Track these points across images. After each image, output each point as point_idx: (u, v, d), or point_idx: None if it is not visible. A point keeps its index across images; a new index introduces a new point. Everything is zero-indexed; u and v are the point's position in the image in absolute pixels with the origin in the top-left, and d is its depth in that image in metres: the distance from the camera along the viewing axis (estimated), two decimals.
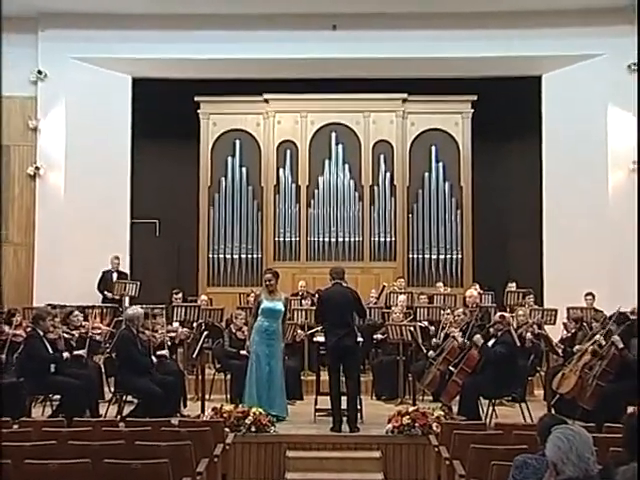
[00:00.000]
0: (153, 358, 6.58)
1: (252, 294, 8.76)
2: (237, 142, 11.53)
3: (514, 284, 10.12)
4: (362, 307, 6.83)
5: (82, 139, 10.45)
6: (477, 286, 10.04)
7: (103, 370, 7.14)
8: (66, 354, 6.45)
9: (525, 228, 11.52)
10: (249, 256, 11.35)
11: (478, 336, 6.71)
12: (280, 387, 6.64)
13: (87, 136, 10.48)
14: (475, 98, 11.22)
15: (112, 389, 6.84)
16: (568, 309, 8.74)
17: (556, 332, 8.28)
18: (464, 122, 11.34)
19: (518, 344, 6.84)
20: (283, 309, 6.68)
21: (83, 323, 7.04)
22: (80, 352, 6.54)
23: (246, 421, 6.07)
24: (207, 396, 7.30)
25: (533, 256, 10.96)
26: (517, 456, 3.48)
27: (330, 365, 6.57)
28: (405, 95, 11.38)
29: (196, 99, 11.35)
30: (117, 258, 10.24)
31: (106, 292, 9.98)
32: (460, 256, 11.26)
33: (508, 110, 11.29)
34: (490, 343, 6.70)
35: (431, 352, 7.32)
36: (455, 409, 6.61)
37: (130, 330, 6.59)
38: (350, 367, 6.51)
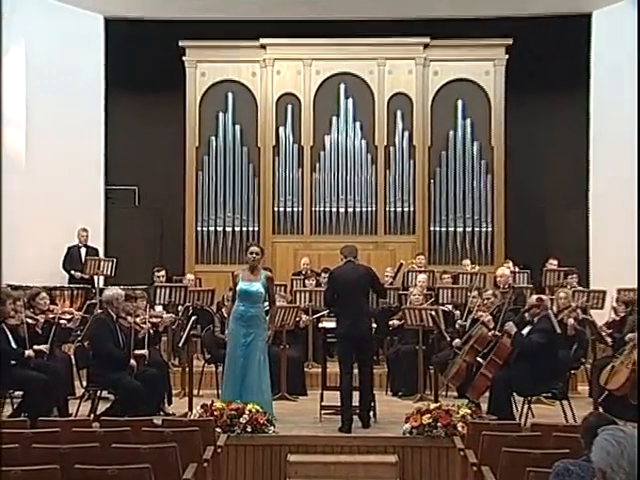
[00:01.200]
0: (132, 362, 6.50)
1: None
2: (229, 95, 11.46)
3: (555, 262, 10.09)
4: (381, 285, 6.88)
5: (46, 91, 10.38)
6: (510, 264, 10.00)
7: (74, 361, 7.13)
8: (28, 351, 6.39)
9: (568, 196, 11.44)
10: (244, 229, 11.35)
11: (510, 323, 6.67)
12: (260, 382, 6.56)
13: (52, 88, 10.41)
14: (510, 42, 11.08)
15: (84, 383, 6.84)
16: (619, 290, 8.68)
17: (604, 318, 8.23)
18: (496, 71, 11.23)
19: (558, 331, 6.79)
20: (262, 291, 6.61)
21: (50, 307, 7.02)
22: (42, 347, 6.49)
23: (241, 420, 6.07)
24: (195, 391, 7.33)
25: (577, 229, 10.91)
26: (557, 462, 3.43)
27: (341, 355, 6.57)
28: (427, 39, 11.27)
29: (181, 44, 11.23)
30: (85, 230, 10.24)
31: (73, 271, 9.99)
32: (490, 229, 11.24)
33: (550, 56, 11.13)
34: (525, 331, 6.67)
35: (456, 340, 7.30)
36: (484, 407, 6.60)
37: (108, 314, 6.57)
38: (365, 358, 6.55)
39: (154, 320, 7.35)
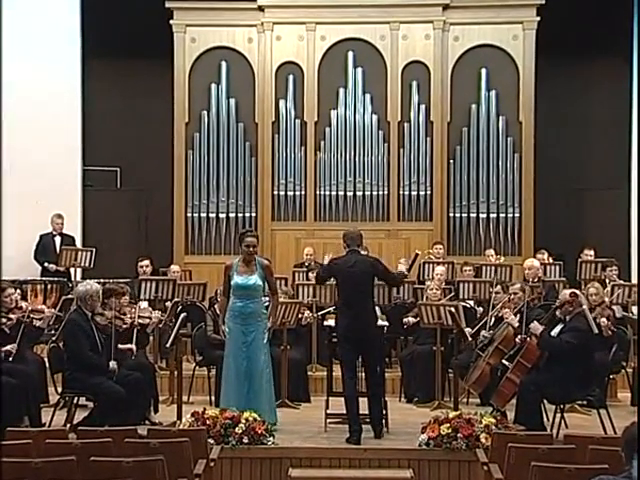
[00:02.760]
0: (112, 364, 6.45)
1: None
2: (223, 64, 11.45)
3: (591, 252, 10.06)
4: (390, 274, 6.90)
5: (14, 59, 10.29)
6: (545, 255, 9.99)
7: (47, 365, 7.15)
8: None
9: (607, 177, 11.41)
10: (239, 215, 11.36)
11: (535, 323, 6.67)
12: (265, 384, 6.61)
13: (21, 55, 10.34)
14: (542, 1, 10.99)
15: (59, 389, 6.85)
16: None
17: None
18: (526, 35, 11.18)
19: (595, 331, 6.77)
20: (260, 283, 6.62)
21: (20, 304, 7.02)
22: (9, 347, 6.48)
23: (236, 430, 6.07)
24: (185, 397, 7.33)
25: (618, 214, 10.86)
26: (594, 478, 3.48)
27: (342, 358, 6.58)
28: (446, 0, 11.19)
29: (168, 5, 11.22)
30: (60, 217, 10.26)
31: (47, 263, 9.98)
32: (517, 215, 11.24)
33: (588, 18, 11.06)
34: (555, 331, 6.65)
35: (483, 333, 7.29)
36: (510, 415, 6.60)
37: (82, 313, 6.56)
38: (370, 359, 6.55)
39: (141, 321, 7.27)
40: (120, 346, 6.70)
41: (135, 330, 7.05)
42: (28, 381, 6.55)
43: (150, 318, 7.44)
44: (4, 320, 6.69)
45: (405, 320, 8.33)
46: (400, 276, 7.17)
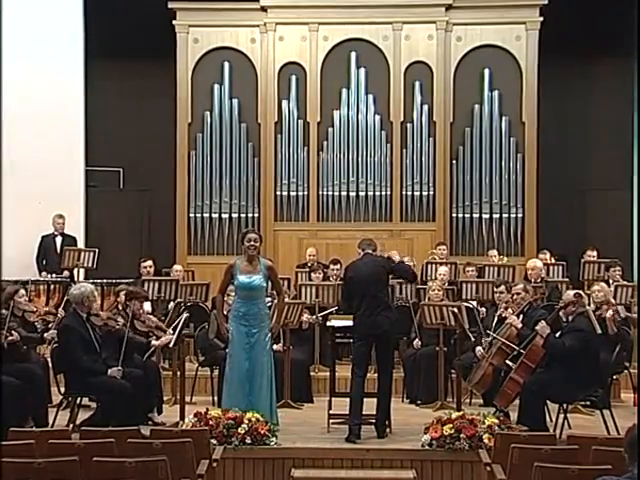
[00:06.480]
0: (111, 371, 6.38)
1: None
2: (226, 65, 11.46)
3: (593, 253, 10.06)
4: (403, 269, 7.01)
5: (17, 60, 10.31)
6: (547, 255, 9.98)
7: (50, 365, 7.14)
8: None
9: (610, 178, 11.40)
10: (242, 215, 11.37)
11: (543, 323, 6.65)
12: (266, 386, 6.61)
13: (24, 56, 10.36)
14: (545, 1, 10.99)
15: (62, 390, 6.85)
16: None
17: None
18: (529, 36, 11.18)
19: (599, 331, 6.76)
20: (264, 284, 6.62)
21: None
22: (13, 337, 6.49)
23: (239, 430, 6.08)
24: (188, 398, 7.34)
25: (621, 215, 10.85)
26: (597, 479, 3.52)
27: (356, 355, 6.64)
28: (449, 0, 11.18)
29: (170, 6, 11.25)
30: (61, 217, 10.26)
31: (45, 273, 9.89)
32: (520, 215, 11.23)
33: (590, 18, 11.04)
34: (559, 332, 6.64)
35: (478, 348, 7.27)
36: (513, 416, 6.60)
37: (77, 316, 6.54)
38: (385, 356, 6.65)
39: (155, 342, 7.13)
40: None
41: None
42: (32, 381, 6.53)
43: (164, 339, 7.21)
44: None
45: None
46: (409, 268, 7.31)
